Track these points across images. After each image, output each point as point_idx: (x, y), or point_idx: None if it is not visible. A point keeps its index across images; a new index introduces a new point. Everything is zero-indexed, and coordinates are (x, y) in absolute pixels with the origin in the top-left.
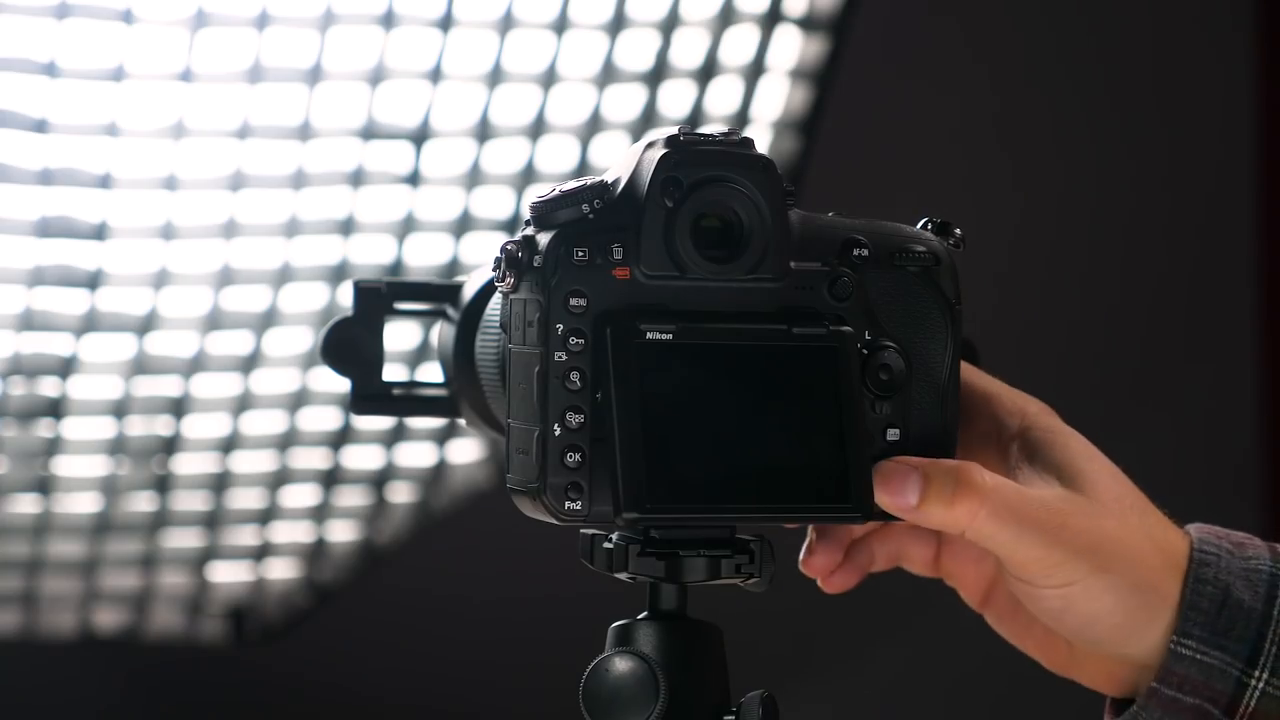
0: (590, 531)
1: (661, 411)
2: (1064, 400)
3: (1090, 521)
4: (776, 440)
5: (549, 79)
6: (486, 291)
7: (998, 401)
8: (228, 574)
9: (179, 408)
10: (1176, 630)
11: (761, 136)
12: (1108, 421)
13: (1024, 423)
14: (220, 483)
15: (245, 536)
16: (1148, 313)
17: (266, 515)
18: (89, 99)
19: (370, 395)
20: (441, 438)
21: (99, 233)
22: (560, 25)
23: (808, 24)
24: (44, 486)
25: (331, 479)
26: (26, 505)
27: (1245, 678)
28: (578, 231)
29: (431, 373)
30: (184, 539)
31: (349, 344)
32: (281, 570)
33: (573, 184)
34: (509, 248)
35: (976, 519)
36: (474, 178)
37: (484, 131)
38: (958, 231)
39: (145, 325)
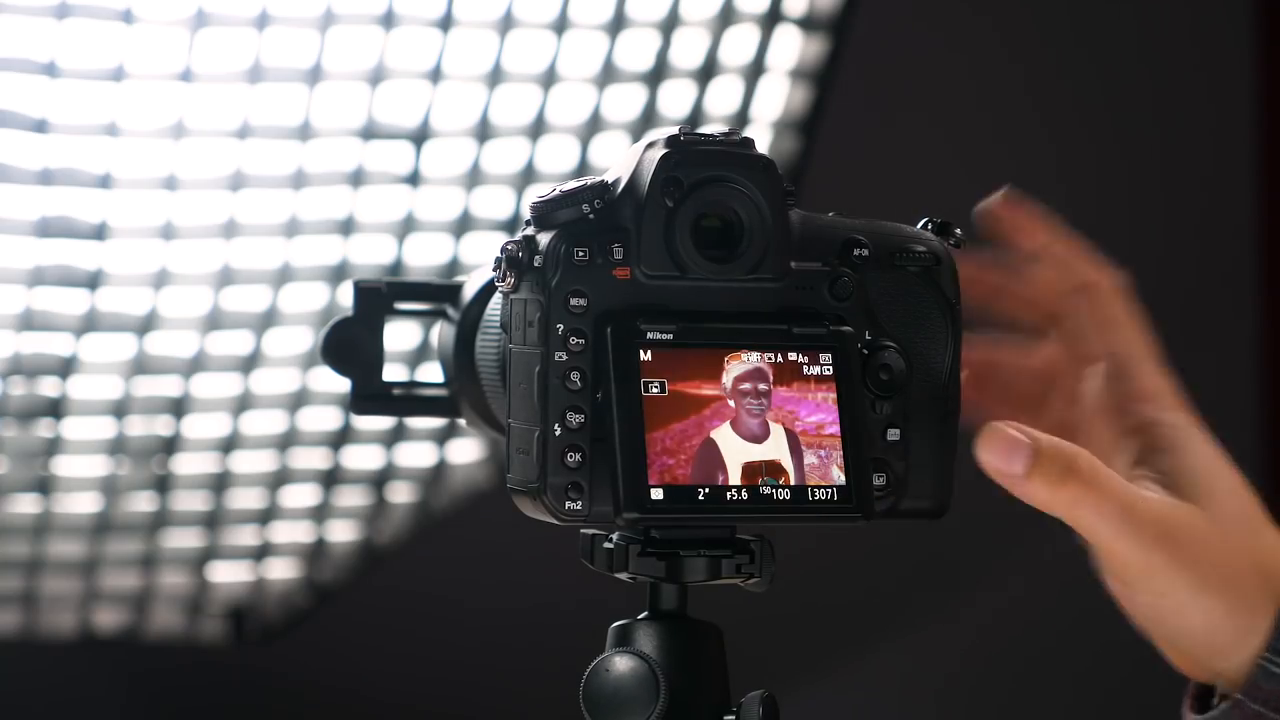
0: (590, 531)
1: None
2: None
3: (1196, 537)
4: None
5: (549, 79)
6: (486, 291)
7: (1140, 382)
8: (228, 574)
9: (179, 408)
10: (1270, 646)
11: (761, 136)
12: None
13: (1154, 414)
14: (220, 483)
15: (245, 536)
16: (1149, 312)
17: (266, 515)
18: (89, 99)
19: (370, 395)
20: (441, 438)
21: (99, 233)
22: (560, 25)
23: (808, 24)
24: (44, 486)
25: (331, 479)
26: (26, 505)
27: None
28: (578, 231)
29: (431, 373)
30: (184, 539)
31: (349, 344)
32: (281, 570)
33: (573, 184)
34: (509, 248)
35: (1079, 508)
36: (474, 178)
37: (484, 131)
38: (958, 231)
39: (145, 325)
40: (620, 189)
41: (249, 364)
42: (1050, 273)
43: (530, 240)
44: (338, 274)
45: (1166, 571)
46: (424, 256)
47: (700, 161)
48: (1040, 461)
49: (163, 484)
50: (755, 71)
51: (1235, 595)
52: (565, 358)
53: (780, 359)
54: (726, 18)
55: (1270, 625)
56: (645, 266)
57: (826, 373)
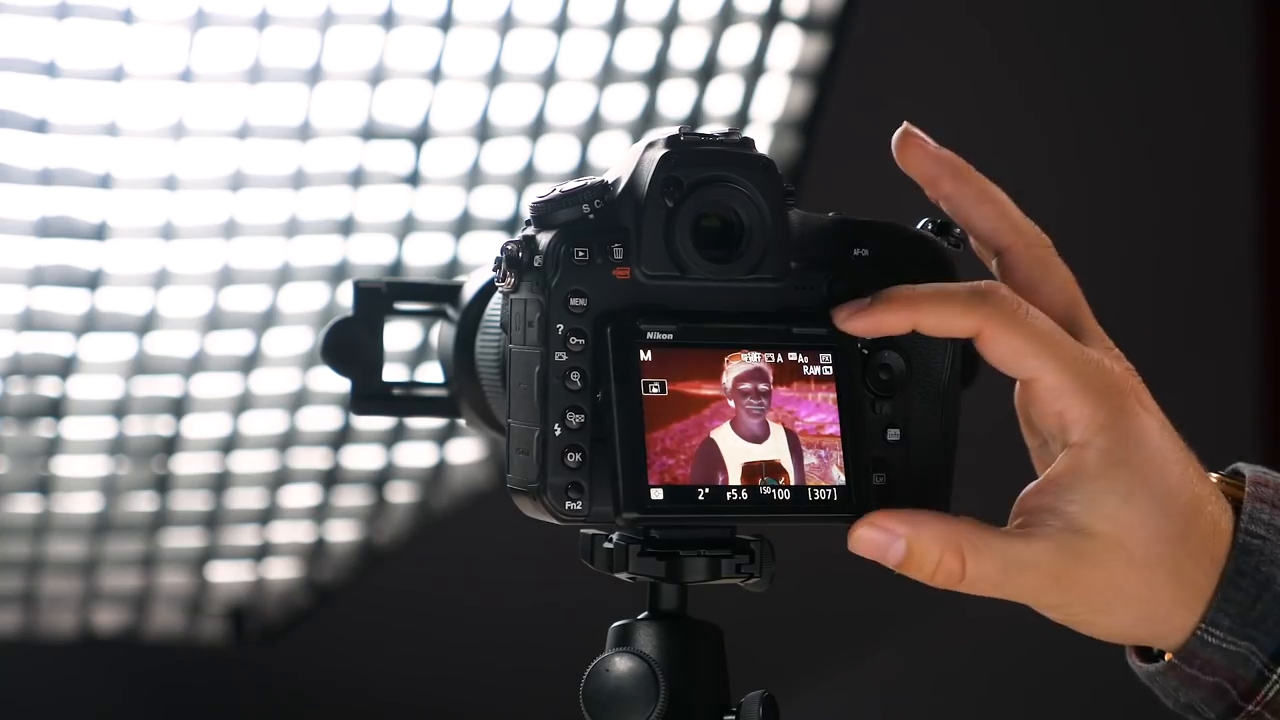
0: (590, 531)
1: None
2: None
3: (1093, 571)
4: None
5: (549, 79)
6: (486, 291)
7: (1069, 397)
8: (228, 574)
9: (179, 408)
10: (1206, 619)
11: (761, 136)
12: None
13: (1085, 436)
14: (220, 483)
15: (245, 536)
16: (1148, 312)
17: (266, 515)
18: (89, 99)
19: (370, 395)
20: (441, 438)
21: (99, 233)
22: (560, 25)
23: (808, 24)
24: (44, 486)
25: (331, 479)
26: (26, 505)
27: (1268, 671)
28: (578, 231)
29: (431, 373)
30: (184, 539)
31: (349, 344)
32: (281, 570)
33: (573, 184)
34: (509, 248)
35: (964, 584)
36: (474, 178)
37: (484, 131)
38: (958, 231)
39: (145, 325)
40: (620, 189)
41: (249, 364)
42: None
43: (530, 240)
44: (338, 274)
45: (1072, 606)
46: (424, 256)
47: (700, 161)
48: (913, 552)
49: (163, 484)
50: (755, 71)
51: (1154, 607)
52: (565, 358)
53: (780, 359)
54: (726, 18)
55: (1207, 598)
56: (645, 266)
57: (826, 373)
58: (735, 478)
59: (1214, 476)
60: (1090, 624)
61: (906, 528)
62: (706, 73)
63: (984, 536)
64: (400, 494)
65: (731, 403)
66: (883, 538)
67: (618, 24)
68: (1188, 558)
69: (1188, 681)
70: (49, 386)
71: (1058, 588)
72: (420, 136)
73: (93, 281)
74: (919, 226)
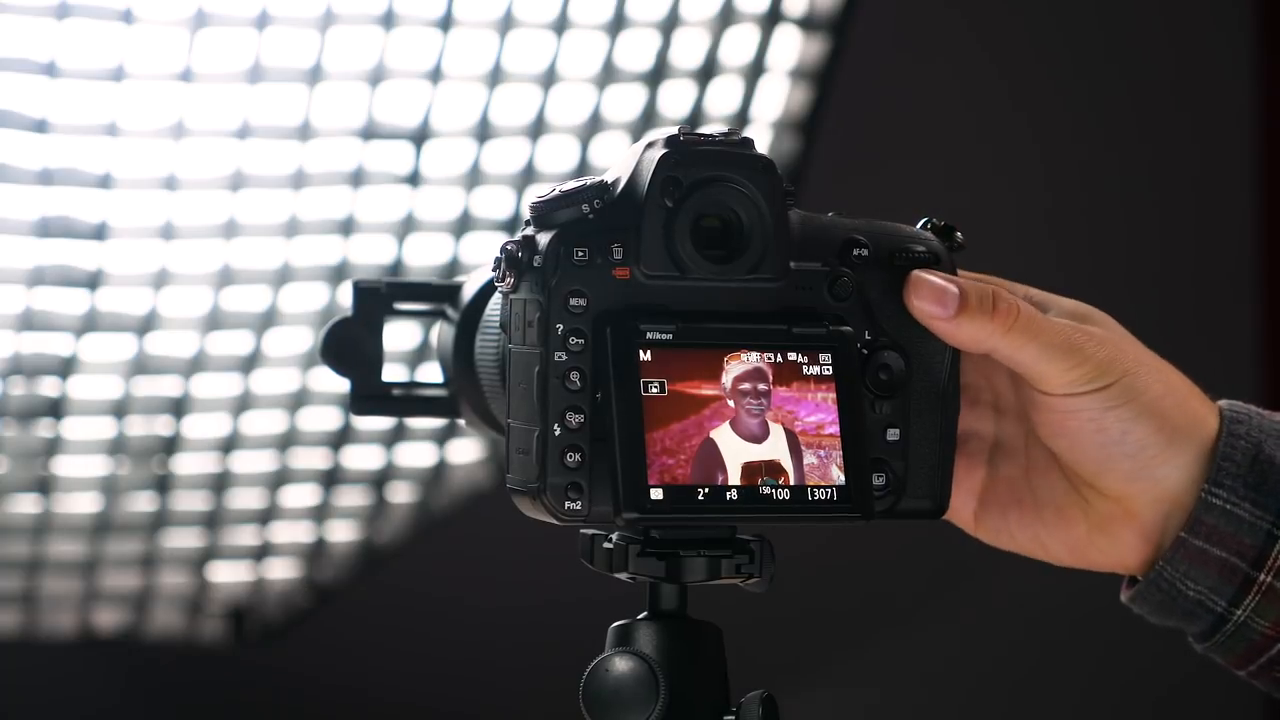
0: (590, 531)
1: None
2: None
3: (1119, 342)
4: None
5: (549, 79)
6: (486, 291)
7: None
8: (228, 574)
9: (179, 408)
10: (1208, 479)
11: (761, 136)
12: None
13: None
14: (220, 483)
15: (245, 536)
16: (1148, 312)
17: (266, 515)
18: (89, 99)
19: (370, 395)
20: (441, 438)
21: (99, 233)
22: (560, 25)
23: (808, 24)
24: (44, 486)
25: (331, 479)
26: (26, 505)
27: (1276, 530)
28: (578, 231)
29: (431, 373)
30: (184, 539)
31: (349, 344)
32: (281, 570)
33: (573, 184)
34: (509, 248)
35: (1009, 336)
36: (474, 178)
37: (484, 131)
38: (959, 235)
39: (145, 325)
40: (620, 189)
41: (249, 364)
42: None
43: (530, 240)
44: (338, 274)
45: (1098, 373)
46: (424, 256)
47: (700, 161)
48: (968, 301)
49: (163, 484)
50: (755, 71)
51: (1170, 392)
52: (565, 358)
53: (780, 359)
54: (726, 18)
55: (1208, 441)
56: (645, 266)
57: (826, 373)
58: (735, 478)
59: None
60: (1103, 431)
61: (955, 279)
62: (706, 73)
63: (1024, 301)
64: (400, 494)
65: (731, 403)
66: (939, 281)
67: (618, 24)
68: (1181, 381)
69: (1196, 559)
70: (49, 386)
71: (1092, 360)
72: (420, 136)
73: (93, 281)
74: (919, 226)
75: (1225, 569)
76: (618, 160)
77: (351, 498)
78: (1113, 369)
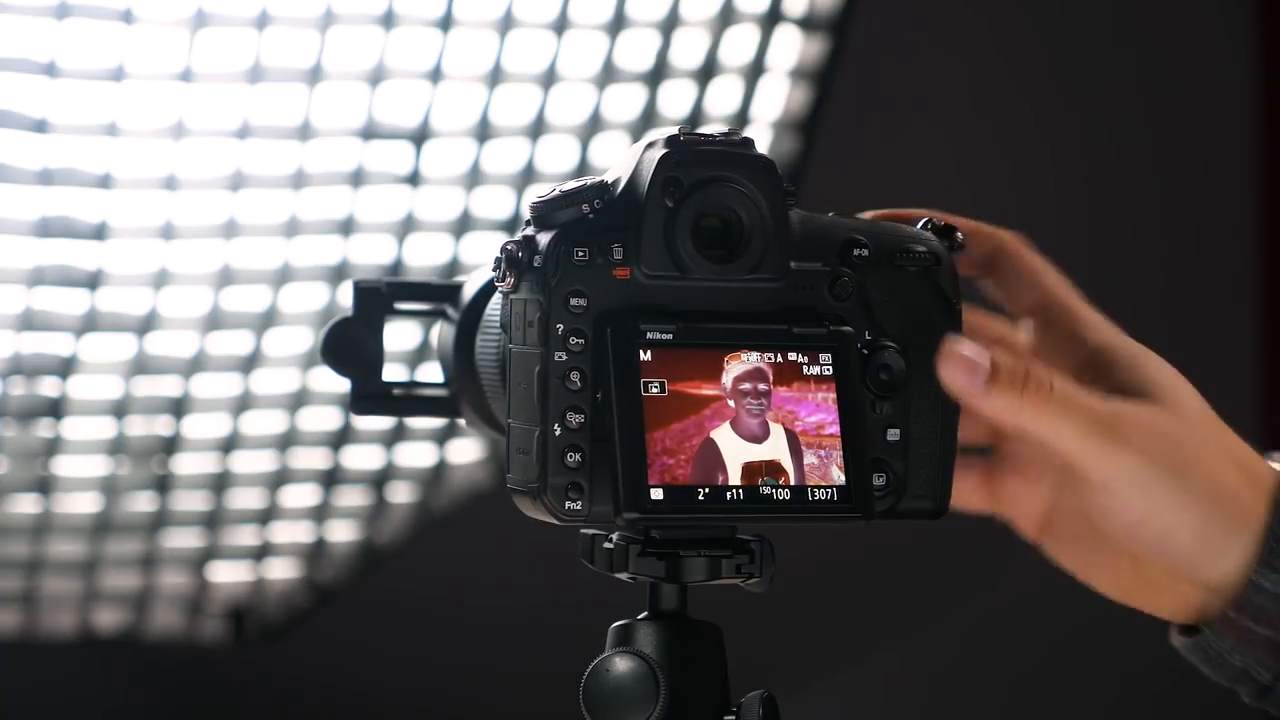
0: (590, 531)
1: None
2: None
3: (1166, 428)
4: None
5: (549, 79)
6: (486, 291)
7: (1076, 315)
8: (228, 574)
9: (179, 408)
10: (1260, 561)
11: (761, 136)
12: None
13: (1101, 340)
14: (220, 483)
15: (245, 536)
16: (1148, 311)
17: (266, 515)
18: (89, 99)
19: (370, 395)
20: (441, 438)
21: (99, 233)
22: (560, 25)
23: (808, 24)
24: (44, 486)
25: (331, 479)
26: (26, 505)
27: None
28: (578, 231)
29: (431, 373)
30: (184, 539)
31: (349, 344)
32: (281, 570)
33: (573, 184)
34: (509, 248)
35: (1042, 416)
36: (474, 178)
37: (484, 131)
38: (959, 235)
39: (145, 325)
40: (620, 189)
41: (249, 364)
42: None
43: (530, 240)
44: (338, 274)
45: (1146, 464)
46: (424, 256)
47: (700, 161)
48: (999, 375)
49: (163, 484)
50: (755, 71)
51: (1220, 481)
52: (565, 358)
53: (780, 359)
54: (726, 18)
55: (1260, 527)
56: (645, 266)
57: (826, 373)
58: (735, 478)
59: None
60: (1156, 516)
61: (986, 350)
62: (706, 73)
63: (1060, 374)
64: (400, 494)
65: (731, 403)
66: (973, 354)
67: (618, 24)
68: (1235, 466)
69: (1242, 638)
70: (49, 386)
71: (1136, 441)
72: (420, 136)
73: (93, 281)
74: (919, 226)
75: (1271, 647)
76: (618, 160)
77: (351, 498)
78: (1158, 466)
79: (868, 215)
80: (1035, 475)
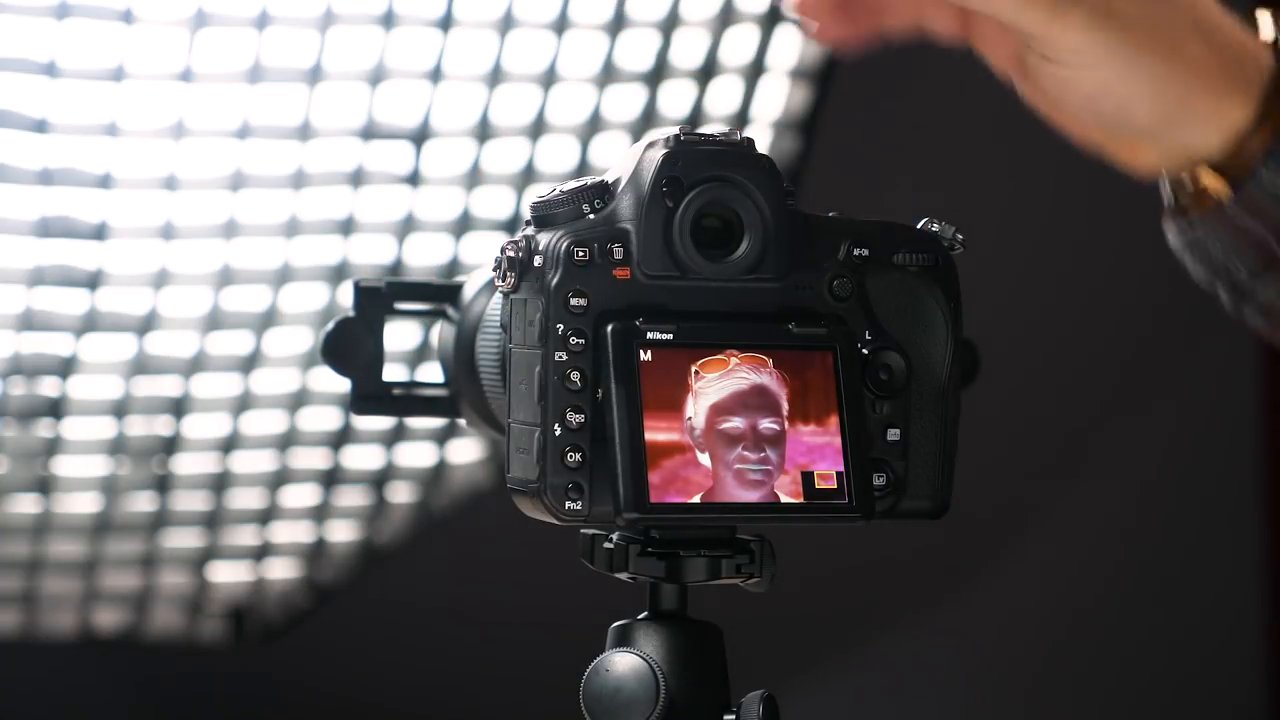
0: (591, 531)
1: None
2: (1064, 398)
3: (1122, 10)
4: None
5: (549, 79)
6: (487, 291)
7: None
8: (228, 574)
9: (179, 408)
10: (1268, 151)
11: (761, 136)
12: (1106, 418)
13: None
14: (220, 483)
15: (245, 536)
16: (1148, 312)
17: (266, 515)
18: (89, 99)
19: (370, 395)
20: (441, 438)
21: (99, 233)
22: (560, 25)
23: None
24: (44, 486)
25: (331, 479)
26: (26, 505)
27: None
28: (578, 231)
29: (431, 373)
30: (184, 539)
31: (349, 344)
32: (281, 570)
33: (573, 184)
34: (509, 248)
35: None
36: (474, 178)
37: (484, 131)
38: (959, 236)
39: (145, 325)
40: (620, 189)
41: (249, 364)
42: None
43: (530, 240)
44: (338, 274)
45: (1087, 44)
46: (424, 256)
47: (701, 161)
48: None
49: (163, 484)
50: (755, 71)
51: (1174, 54)
52: (565, 357)
53: (780, 359)
54: (726, 18)
55: (1245, 113)
56: (645, 266)
57: (826, 373)
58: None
59: (1269, 33)
60: (1117, 84)
61: None
62: (706, 73)
63: None
64: (400, 494)
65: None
66: None
67: (618, 24)
68: (1228, 74)
69: (1229, 230)
70: (49, 386)
71: (1100, 6)
72: (420, 136)
73: (93, 281)
74: (919, 226)
75: (1256, 243)
76: (618, 160)
77: (351, 498)
78: (1105, 36)
79: None
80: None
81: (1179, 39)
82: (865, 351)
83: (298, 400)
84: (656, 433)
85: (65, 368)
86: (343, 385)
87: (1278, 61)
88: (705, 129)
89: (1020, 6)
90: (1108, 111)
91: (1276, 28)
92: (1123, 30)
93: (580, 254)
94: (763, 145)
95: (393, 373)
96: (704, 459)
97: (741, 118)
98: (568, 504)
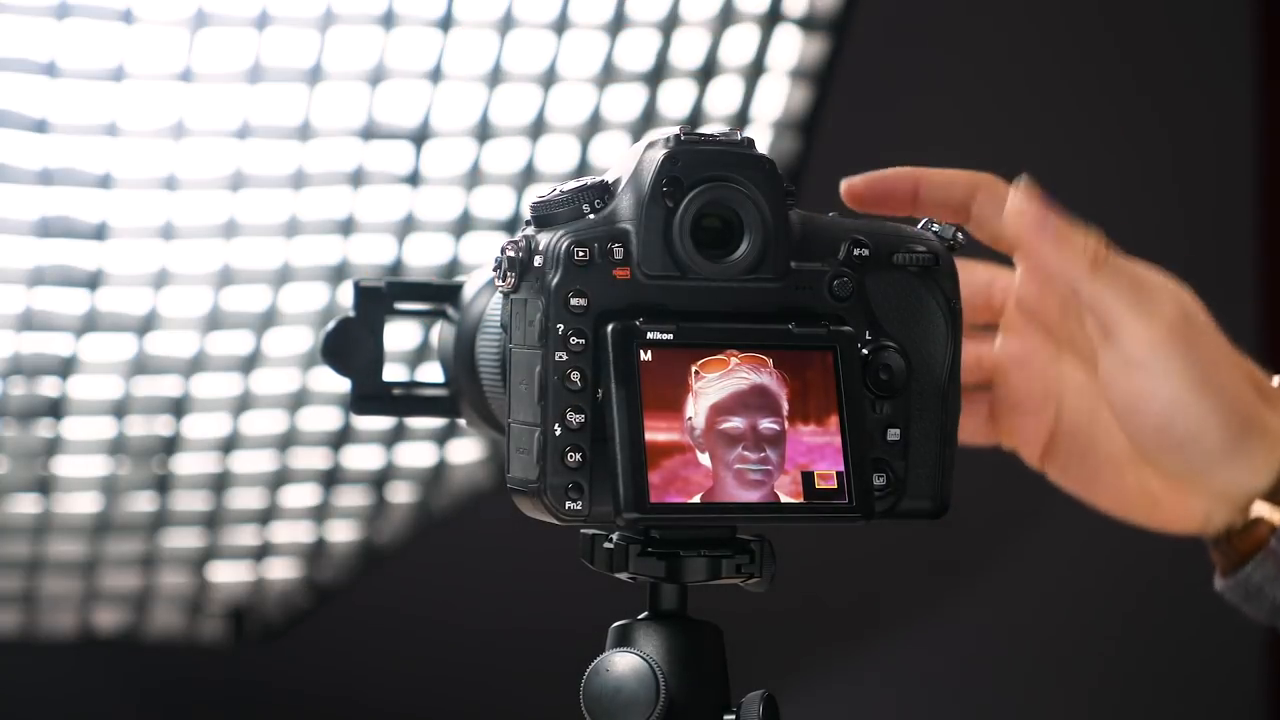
0: (591, 531)
1: None
2: None
3: (1201, 320)
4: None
5: (549, 79)
6: (487, 291)
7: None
8: (228, 574)
9: (179, 408)
10: None
11: (761, 136)
12: None
13: (1081, 273)
14: (220, 483)
15: (245, 536)
16: None
17: (266, 515)
18: (89, 99)
19: (370, 395)
20: (441, 438)
21: (99, 233)
22: (560, 25)
23: (808, 24)
24: (44, 486)
25: (331, 479)
26: (26, 505)
27: None
28: (578, 231)
29: (431, 373)
30: (184, 539)
31: (349, 344)
32: (281, 570)
33: (573, 184)
34: (509, 248)
35: (1104, 271)
36: (474, 178)
37: (484, 131)
38: (959, 235)
39: (145, 325)
40: (620, 189)
41: (249, 364)
42: (938, 197)
43: (530, 240)
44: (338, 274)
45: (1180, 342)
46: (424, 256)
47: (701, 162)
48: (1065, 231)
49: (163, 484)
50: (755, 71)
51: (1234, 388)
52: (565, 358)
53: (780, 359)
54: (726, 18)
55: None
56: (645, 267)
57: (826, 373)
58: (735, 478)
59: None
60: (1171, 400)
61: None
62: (706, 73)
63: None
64: (400, 494)
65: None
66: (1041, 206)
67: (618, 24)
68: (1247, 378)
69: None
70: (49, 386)
71: (1178, 324)
72: (420, 136)
73: (93, 281)
74: (919, 226)
75: None
76: (618, 160)
77: (351, 498)
78: (1190, 351)
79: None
80: (1037, 405)
81: (1236, 373)
82: (865, 351)
83: (298, 400)
84: (656, 433)
85: (65, 368)
86: (343, 385)
87: None
88: (705, 129)
89: (1122, 296)
90: (1180, 430)
91: None
92: (1199, 345)
93: (580, 254)
94: (763, 145)
95: (393, 373)
96: (704, 459)
97: (741, 118)
98: (568, 504)
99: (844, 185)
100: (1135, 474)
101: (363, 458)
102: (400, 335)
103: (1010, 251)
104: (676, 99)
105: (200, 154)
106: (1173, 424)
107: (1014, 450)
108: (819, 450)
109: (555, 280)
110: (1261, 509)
